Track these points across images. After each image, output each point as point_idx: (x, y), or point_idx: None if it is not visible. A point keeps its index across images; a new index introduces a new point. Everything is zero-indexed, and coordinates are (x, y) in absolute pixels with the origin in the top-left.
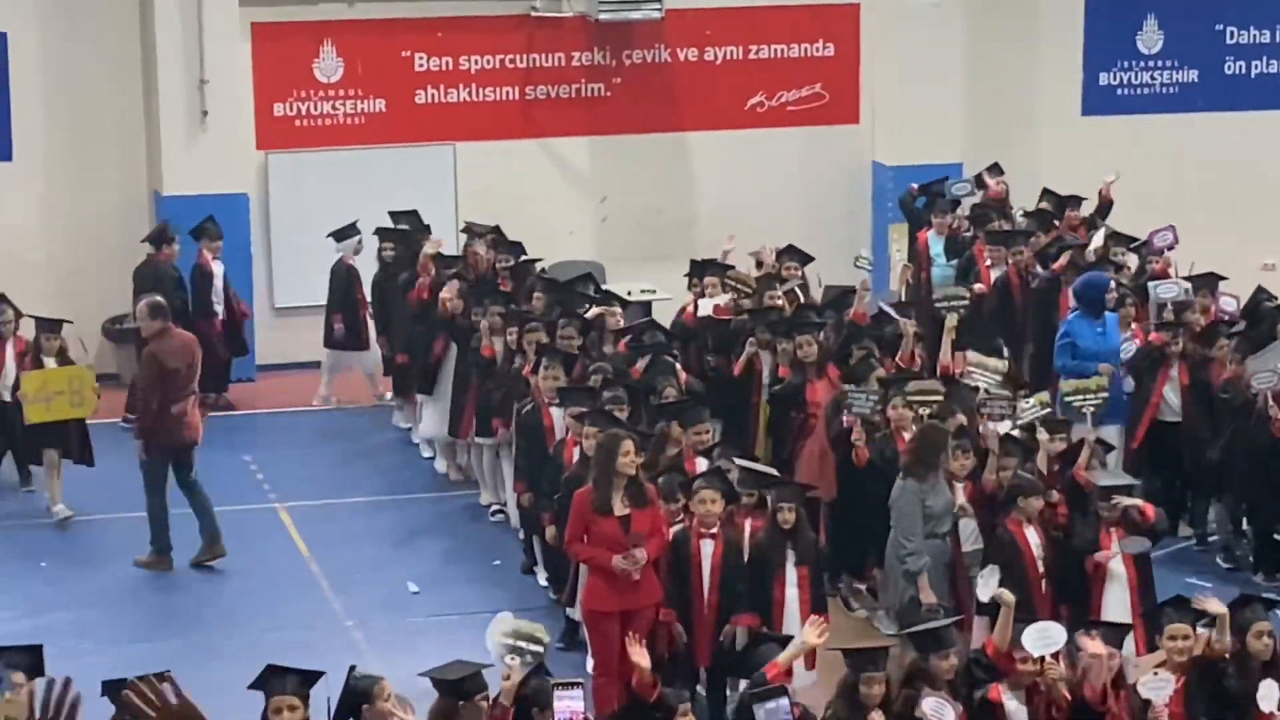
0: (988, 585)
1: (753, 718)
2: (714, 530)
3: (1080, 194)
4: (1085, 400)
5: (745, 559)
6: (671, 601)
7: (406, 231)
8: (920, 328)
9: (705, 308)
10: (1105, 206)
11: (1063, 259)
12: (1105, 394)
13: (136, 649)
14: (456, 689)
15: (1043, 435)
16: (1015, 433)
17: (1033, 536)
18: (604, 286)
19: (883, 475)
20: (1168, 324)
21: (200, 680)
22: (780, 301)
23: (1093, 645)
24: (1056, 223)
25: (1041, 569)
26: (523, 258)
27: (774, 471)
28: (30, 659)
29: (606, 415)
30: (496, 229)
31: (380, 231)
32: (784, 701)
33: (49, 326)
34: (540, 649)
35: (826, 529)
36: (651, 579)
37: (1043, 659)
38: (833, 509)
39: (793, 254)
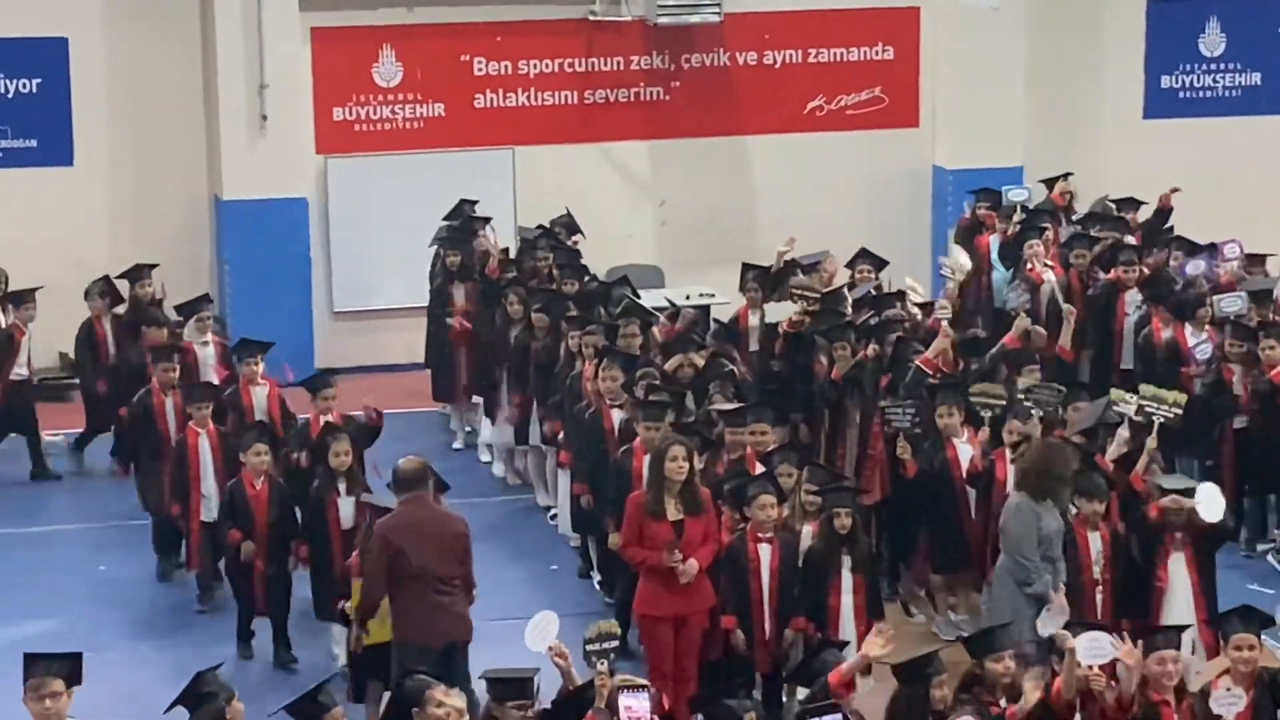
0: (1049, 623)
1: None
2: (770, 535)
3: (1140, 198)
4: (1158, 409)
5: (801, 564)
6: (730, 608)
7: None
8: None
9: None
10: (1164, 214)
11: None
12: (1179, 410)
13: (196, 653)
14: (508, 691)
15: (1123, 433)
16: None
17: (1094, 542)
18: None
19: (932, 481)
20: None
21: (259, 685)
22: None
23: (1128, 655)
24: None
25: (1098, 575)
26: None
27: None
28: (69, 666)
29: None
30: (546, 231)
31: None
32: (839, 715)
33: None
34: (616, 642)
35: (877, 533)
36: (705, 584)
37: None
38: (883, 512)
39: (866, 257)
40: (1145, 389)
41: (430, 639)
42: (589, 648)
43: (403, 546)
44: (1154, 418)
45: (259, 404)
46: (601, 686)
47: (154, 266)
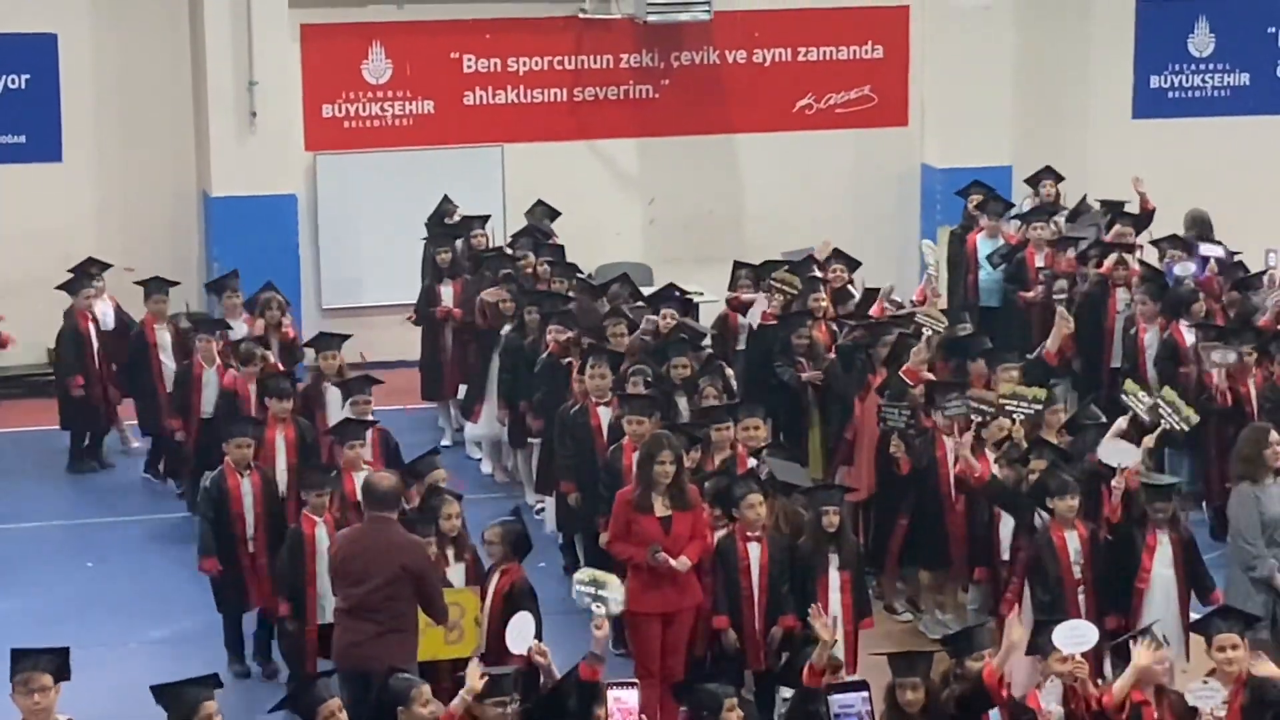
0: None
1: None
2: (759, 534)
3: (1125, 198)
4: (1172, 416)
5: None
6: (721, 607)
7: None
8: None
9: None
10: (1147, 215)
11: (1109, 261)
12: (1187, 427)
13: (187, 650)
14: (487, 688)
15: (1121, 424)
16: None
17: (1072, 541)
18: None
19: (922, 478)
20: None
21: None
22: (824, 303)
23: (1141, 656)
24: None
25: (1078, 575)
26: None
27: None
28: (57, 662)
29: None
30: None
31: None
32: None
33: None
34: (620, 595)
35: (865, 529)
36: (693, 581)
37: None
38: (872, 509)
39: (839, 258)
40: (1168, 393)
41: (345, 665)
42: (580, 588)
43: (345, 571)
44: (1163, 422)
45: None
46: (596, 628)
47: (347, 337)
